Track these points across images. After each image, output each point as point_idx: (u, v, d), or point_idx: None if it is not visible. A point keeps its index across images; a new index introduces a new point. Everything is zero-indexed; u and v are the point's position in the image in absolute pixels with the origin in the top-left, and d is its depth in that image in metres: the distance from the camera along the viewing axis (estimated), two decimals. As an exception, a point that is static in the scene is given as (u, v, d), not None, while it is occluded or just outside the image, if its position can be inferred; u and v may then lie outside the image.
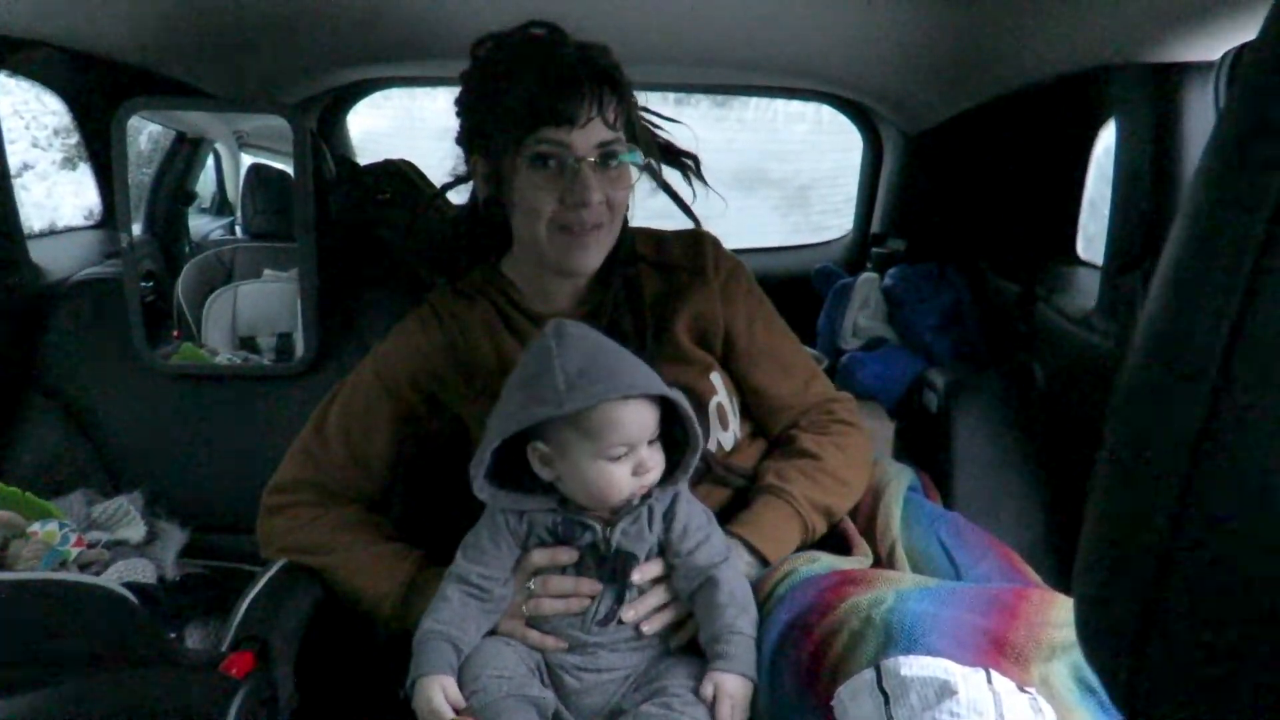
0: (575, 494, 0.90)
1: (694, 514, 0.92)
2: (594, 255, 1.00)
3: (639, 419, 0.86)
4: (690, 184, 1.10)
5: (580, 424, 0.85)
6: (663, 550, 0.91)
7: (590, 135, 0.94)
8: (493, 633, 0.93)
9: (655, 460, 0.89)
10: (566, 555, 0.91)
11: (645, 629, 0.91)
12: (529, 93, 0.92)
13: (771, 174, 3.31)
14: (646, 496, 0.90)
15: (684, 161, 1.09)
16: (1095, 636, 0.37)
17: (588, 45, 0.97)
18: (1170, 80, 1.17)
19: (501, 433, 0.87)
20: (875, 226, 2.33)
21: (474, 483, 0.89)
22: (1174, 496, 0.31)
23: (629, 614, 0.90)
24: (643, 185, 1.06)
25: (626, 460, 0.87)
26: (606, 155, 0.96)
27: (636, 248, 1.10)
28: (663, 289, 1.09)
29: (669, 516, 0.91)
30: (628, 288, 1.07)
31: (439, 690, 0.85)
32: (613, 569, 0.90)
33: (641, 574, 0.90)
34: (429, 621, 0.89)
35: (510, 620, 0.93)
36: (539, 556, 0.92)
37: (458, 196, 1.15)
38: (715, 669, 0.85)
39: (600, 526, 0.90)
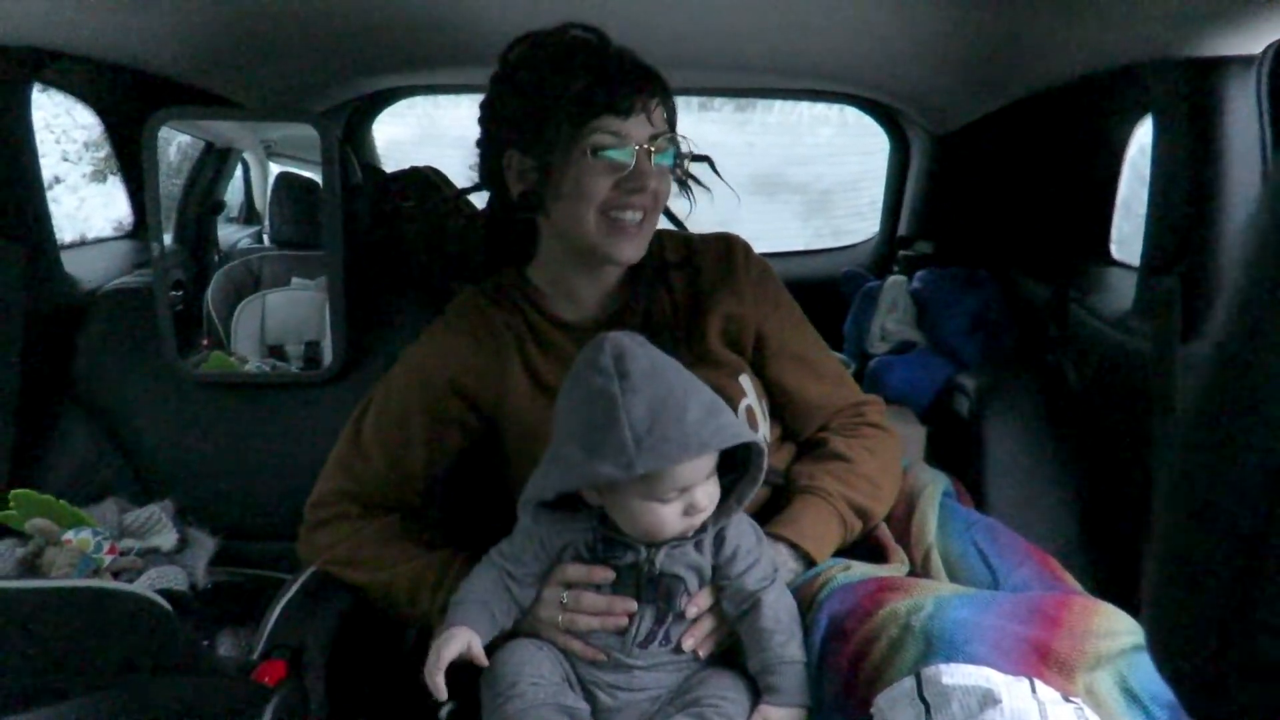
0: (622, 524, 0.86)
1: (744, 535, 0.89)
2: (638, 245, 1.01)
3: (700, 466, 0.82)
4: (694, 188, 1.08)
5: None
6: (712, 573, 0.89)
7: (643, 127, 0.96)
8: (526, 633, 0.92)
9: (709, 496, 0.84)
10: (602, 575, 0.88)
11: (702, 653, 0.89)
12: (587, 84, 0.94)
13: (793, 178, 3.30)
14: (700, 531, 0.87)
15: (702, 159, 1.08)
16: (1171, 643, 0.35)
17: (626, 48, 0.99)
18: (1210, 75, 1.14)
19: (561, 486, 0.83)
20: (902, 229, 2.30)
21: (521, 510, 0.87)
22: (1262, 494, 0.30)
23: (688, 642, 0.88)
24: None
25: (678, 501, 0.83)
26: (656, 148, 0.97)
27: (664, 251, 1.09)
28: (692, 291, 1.09)
29: (719, 540, 0.88)
30: (657, 290, 1.06)
31: (464, 641, 0.84)
32: (656, 592, 0.87)
33: (697, 606, 0.88)
34: (464, 590, 0.89)
35: (547, 630, 0.91)
36: (574, 571, 0.89)
37: (478, 200, 1.15)
38: (766, 703, 0.83)
39: (644, 548, 0.87)
